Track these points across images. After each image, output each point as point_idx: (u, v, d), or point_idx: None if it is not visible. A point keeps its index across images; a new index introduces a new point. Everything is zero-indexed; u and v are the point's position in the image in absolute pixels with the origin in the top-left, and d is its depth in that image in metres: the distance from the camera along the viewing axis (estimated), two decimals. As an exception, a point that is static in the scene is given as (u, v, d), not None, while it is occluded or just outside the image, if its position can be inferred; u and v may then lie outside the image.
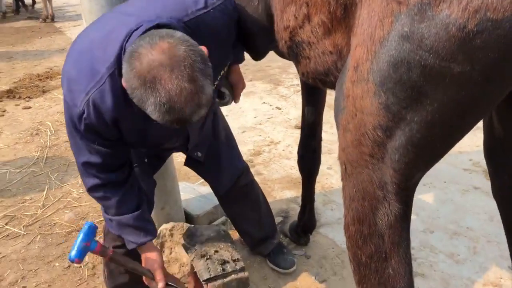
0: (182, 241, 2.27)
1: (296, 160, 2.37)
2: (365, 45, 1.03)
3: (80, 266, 2.44)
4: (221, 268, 1.62)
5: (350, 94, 1.10)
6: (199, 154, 1.95)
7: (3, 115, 4.54)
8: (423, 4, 0.89)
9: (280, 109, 4.43)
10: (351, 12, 1.15)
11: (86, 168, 1.56)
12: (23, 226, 2.80)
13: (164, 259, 2.25)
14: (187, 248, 1.78)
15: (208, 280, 1.60)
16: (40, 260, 2.51)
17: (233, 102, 1.98)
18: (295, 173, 3.17)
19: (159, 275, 1.64)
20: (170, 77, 1.19)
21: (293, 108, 4.40)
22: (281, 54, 1.81)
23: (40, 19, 9.35)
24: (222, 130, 2.09)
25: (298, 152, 2.32)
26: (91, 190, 1.63)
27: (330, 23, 1.26)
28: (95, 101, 1.38)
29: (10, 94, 5.04)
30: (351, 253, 1.19)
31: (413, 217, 2.64)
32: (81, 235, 1.58)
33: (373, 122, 1.05)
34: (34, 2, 10.78)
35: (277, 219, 2.67)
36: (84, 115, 1.40)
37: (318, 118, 2.18)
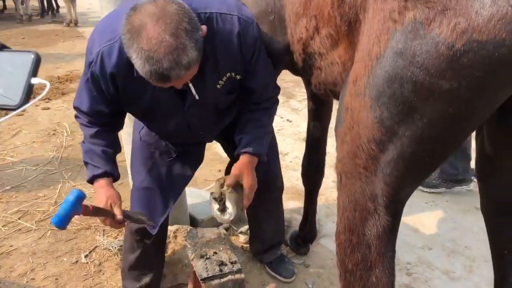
0: (185, 242, 2.38)
1: None
2: (364, 60, 1.11)
3: (87, 262, 2.54)
4: (218, 269, 1.70)
5: (349, 106, 1.18)
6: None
7: (22, 115, 4.69)
8: (416, 23, 0.96)
9: (290, 121, 4.53)
10: (355, 28, 1.23)
11: (76, 110, 1.74)
12: (35, 222, 2.91)
13: (167, 260, 2.33)
14: (188, 248, 1.86)
15: (205, 280, 1.68)
16: (49, 255, 2.62)
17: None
18: (301, 184, 3.24)
19: (117, 210, 1.63)
20: (154, 26, 1.32)
21: (304, 121, 4.47)
22: (293, 70, 1.89)
23: (64, 24, 9.62)
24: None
25: (302, 165, 2.40)
26: (76, 117, 1.79)
27: (337, 35, 1.35)
28: (103, 54, 1.55)
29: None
30: (339, 260, 1.27)
31: (412, 233, 2.71)
32: (68, 204, 1.44)
33: (368, 135, 1.12)
34: (58, 7, 11.07)
35: (279, 228, 2.74)
36: (92, 63, 1.58)
37: (323, 133, 2.26)
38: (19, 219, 2.94)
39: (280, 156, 3.79)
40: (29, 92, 0.76)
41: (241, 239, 2.68)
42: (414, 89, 0.99)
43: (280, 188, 2.33)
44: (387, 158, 1.11)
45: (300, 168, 3.48)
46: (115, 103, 1.70)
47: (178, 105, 1.74)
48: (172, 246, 2.36)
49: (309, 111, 2.23)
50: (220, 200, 1.72)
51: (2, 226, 2.85)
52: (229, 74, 1.72)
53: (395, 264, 2.43)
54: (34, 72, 0.76)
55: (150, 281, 2.12)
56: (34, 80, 0.73)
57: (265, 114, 1.87)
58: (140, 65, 1.36)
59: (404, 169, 1.12)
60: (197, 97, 1.68)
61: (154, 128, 1.95)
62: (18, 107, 0.75)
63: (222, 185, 1.73)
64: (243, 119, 1.87)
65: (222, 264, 1.73)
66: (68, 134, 4.23)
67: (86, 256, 2.59)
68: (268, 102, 1.87)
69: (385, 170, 1.13)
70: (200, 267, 1.72)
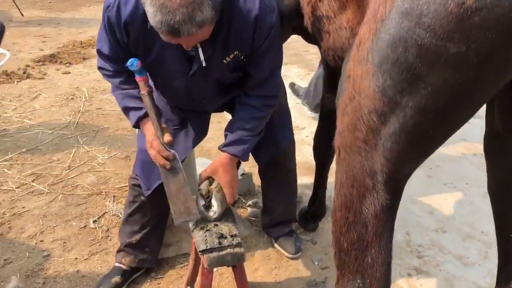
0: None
1: None
2: (369, 23, 1.03)
3: (95, 228, 2.55)
4: (217, 241, 1.66)
5: (351, 74, 1.10)
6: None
7: (43, 78, 4.72)
8: None
9: (310, 95, 4.41)
10: None
11: (98, 53, 1.78)
12: (48, 185, 2.93)
13: (173, 230, 2.32)
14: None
15: (203, 252, 1.64)
16: (59, 218, 2.64)
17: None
18: (315, 160, 3.18)
19: (167, 137, 1.71)
20: None
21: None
22: (305, 36, 1.83)
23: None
24: (282, 108, 2.08)
25: (314, 139, 2.32)
26: (99, 69, 1.84)
27: None
28: (121, 1, 1.58)
29: (53, 58, 5.23)
30: (334, 238, 1.20)
31: (427, 214, 2.63)
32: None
33: (369, 106, 1.04)
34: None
35: (290, 203, 2.69)
36: (109, 7, 1.60)
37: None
38: (32, 181, 2.97)
39: (296, 130, 3.73)
40: None
41: (249, 212, 2.64)
42: (419, 53, 0.91)
43: (290, 169, 2.28)
44: (389, 131, 1.04)
45: (315, 143, 3.42)
46: (130, 51, 1.70)
47: (184, 68, 1.73)
48: (178, 216, 2.33)
49: (323, 82, 2.14)
50: (207, 197, 1.76)
51: (16, 188, 2.88)
52: (236, 52, 1.72)
53: (407, 246, 2.38)
54: None
55: (140, 239, 2.12)
56: None
57: (254, 116, 1.84)
58: (152, 13, 1.34)
59: (406, 143, 1.04)
60: (204, 64, 1.66)
61: (159, 86, 1.93)
62: None
63: (211, 183, 1.79)
64: (235, 112, 1.88)
65: (222, 237, 1.68)
66: (86, 99, 4.23)
67: (94, 222, 2.60)
68: (260, 100, 1.83)
69: (386, 144, 1.06)
70: (199, 239, 1.68)
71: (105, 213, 2.68)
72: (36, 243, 2.45)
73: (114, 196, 2.83)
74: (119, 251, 2.19)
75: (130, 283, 2.16)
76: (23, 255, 2.34)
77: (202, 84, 1.78)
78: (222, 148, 1.82)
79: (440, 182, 3.01)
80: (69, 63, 5.14)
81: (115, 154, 3.30)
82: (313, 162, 3.15)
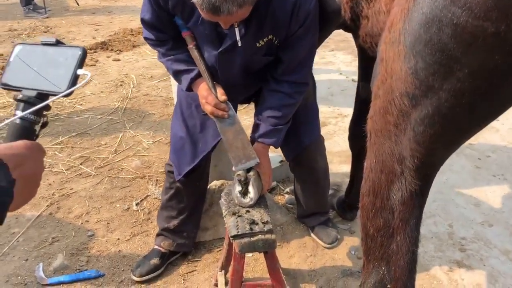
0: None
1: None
2: (401, 3, 0.99)
3: (137, 210, 2.63)
4: (249, 227, 1.67)
5: (384, 56, 1.07)
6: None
7: (94, 65, 4.89)
8: None
9: (355, 81, 4.32)
10: None
11: (142, 23, 1.80)
12: (95, 168, 3.05)
13: (211, 214, 2.35)
14: (223, 205, 1.85)
15: (235, 237, 1.65)
16: (104, 200, 2.74)
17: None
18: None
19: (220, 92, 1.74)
20: None
21: (369, 82, 4.26)
22: (343, 25, 1.79)
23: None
24: (307, 103, 2.07)
25: (349, 128, 2.27)
26: (145, 39, 1.86)
27: None
28: None
29: (104, 46, 5.40)
30: (361, 224, 1.18)
31: (472, 207, 2.52)
32: None
33: (400, 88, 1.01)
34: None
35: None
36: None
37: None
38: (81, 164, 3.10)
39: (340, 117, 3.69)
40: (75, 81, 0.89)
41: (286, 199, 2.63)
42: (454, 33, 0.86)
43: (316, 168, 2.24)
44: (420, 114, 1.00)
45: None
46: (171, 16, 1.73)
47: (215, 45, 1.73)
48: (216, 201, 2.36)
49: (358, 70, 2.09)
50: (245, 183, 1.77)
51: (66, 170, 3.02)
52: (271, 36, 1.72)
53: (449, 239, 2.30)
54: (80, 65, 0.90)
55: (178, 225, 2.17)
56: (79, 71, 0.87)
57: (285, 103, 1.83)
58: None
59: (439, 127, 1.00)
60: (239, 44, 1.68)
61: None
62: (63, 94, 0.88)
63: (248, 170, 1.79)
64: (265, 99, 1.86)
65: (253, 223, 1.69)
66: (135, 86, 4.35)
67: (137, 204, 2.68)
68: (291, 87, 1.82)
69: (418, 128, 1.02)
70: (231, 224, 1.69)
71: (147, 196, 2.76)
72: (82, 223, 2.56)
73: (156, 180, 2.90)
74: (158, 235, 2.26)
75: (167, 265, 2.22)
76: (69, 234, 2.46)
77: (230, 64, 1.78)
78: (258, 139, 1.83)
79: (489, 174, 2.88)
80: (120, 50, 5.29)
81: (159, 139, 3.38)
82: (349, 150, 3.11)
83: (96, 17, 6.90)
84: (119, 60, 5.03)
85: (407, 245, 1.09)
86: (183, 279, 2.17)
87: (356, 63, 4.67)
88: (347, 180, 2.79)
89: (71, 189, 2.85)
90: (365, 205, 1.15)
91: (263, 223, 1.70)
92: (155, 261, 2.17)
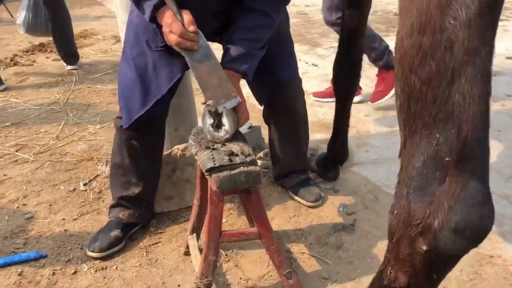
0: (194, 160, 2.04)
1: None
2: None
3: (86, 190, 2.24)
4: (228, 159, 1.36)
5: None
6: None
7: (32, 65, 4.45)
8: None
9: (316, 65, 4.15)
10: None
11: None
12: (33, 154, 2.63)
13: (175, 180, 2.01)
14: (191, 145, 1.52)
15: (211, 170, 1.33)
16: (45, 183, 2.33)
17: None
18: (328, 118, 2.89)
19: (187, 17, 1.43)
20: None
21: (330, 65, 4.07)
22: None
23: (83, -6, 9.39)
24: (280, 34, 1.79)
25: (334, 68, 2.02)
26: None
27: None
28: None
29: (42, 48, 4.96)
30: (400, 84, 0.85)
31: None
32: None
33: None
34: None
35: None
36: None
37: (361, 22, 1.86)
38: (16, 151, 2.67)
39: (306, 95, 3.45)
40: None
41: (260, 164, 2.33)
42: None
43: (296, 110, 1.97)
44: None
45: (326, 104, 3.12)
46: None
47: None
48: (180, 166, 2.02)
49: None
50: (216, 114, 1.44)
51: (-2, 159, 2.58)
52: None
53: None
54: None
55: (139, 192, 1.83)
56: None
57: (260, 23, 1.57)
58: None
59: None
60: None
61: None
62: None
63: None
64: (236, 22, 1.58)
65: (232, 154, 1.38)
66: (77, 80, 3.95)
67: (85, 185, 2.29)
68: (269, 4, 1.57)
69: None
70: (205, 158, 1.37)
71: (97, 176, 2.38)
72: (18, 207, 2.14)
73: (107, 161, 2.52)
74: (114, 206, 1.89)
75: (126, 239, 1.85)
76: (1, 219, 2.03)
77: None
78: (226, 64, 1.52)
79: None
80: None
81: (108, 124, 3.00)
82: (327, 121, 2.88)
83: (33, 26, 6.42)
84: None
85: (479, 85, 0.78)
86: (146, 252, 1.81)
87: (313, 51, 4.54)
88: (323, 146, 2.54)
89: (4, 175, 2.42)
90: (407, 52, 0.83)
91: (244, 155, 1.39)
92: (116, 233, 1.82)
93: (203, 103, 1.48)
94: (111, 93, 3.59)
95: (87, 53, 4.84)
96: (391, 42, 4.56)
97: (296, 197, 2.05)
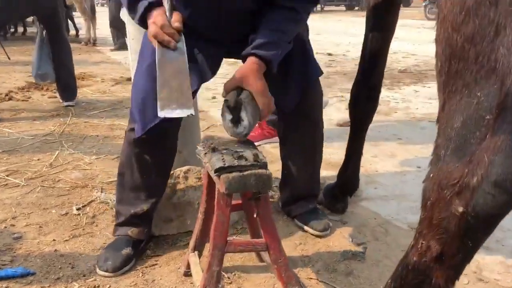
0: (197, 183, 1.96)
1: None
2: None
3: (79, 214, 2.12)
4: (237, 162, 1.28)
5: None
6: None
7: (27, 101, 4.41)
8: None
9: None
10: None
11: None
12: (24, 179, 2.52)
13: (176, 201, 1.91)
14: (199, 151, 1.44)
15: (220, 170, 1.25)
16: (36, 207, 2.21)
17: None
18: (334, 157, 2.84)
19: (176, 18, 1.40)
20: None
21: (334, 112, 4.08)
22: None
23: (82, 42, 9.56)
24: (299, 39, 1.75)
25: (352, 90, 1.96)
26: None
27: None
28: None
29: (38, 86, 4.92)
30: (440, 44, 0.82)
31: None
32: None
33: None
34: (77, 31, 11.09)
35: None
36: None
37: (384, 46, 1.83)
38: (7, 176, 2.55)
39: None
40: None
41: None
42: None
43: (317, 121, 1.92)
44: None
45: (333, 146, 3.07)
46: None
47: None
48: (181, 187, 1.93)
49: (367, 21, 1.82)
50: (235, 109, 1.39)
51: (-14, 183, 2.46)
52: None
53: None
54: None
55: (148, 209, 1.73)
56: None
57: (288, 17, 1.56)
58: None
59: None
60: None
61: None
62: None
63: (239, 94, 1.41)
64: (264, 17, 1.57)
65: (241, 157, 1.30)
66: (74, 115, 3.89)
67: (78, 209, 2.17)
68: (298, 1, 1.57)
69: None
70: (215, 158, 1.30)
71: (91, 201, 2.26)
72: (5, 227, 2.01)
73: (102, 188, 2.42)
74: (120, 224, 1.79)
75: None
76: (-13, 238, 1.90)
77: None
78: (251, 50, 1.46)
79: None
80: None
81: (104, 156, 2.91)
82: (332, 159, 2.82)
83: (29, 67, 6.42)
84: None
85: None
86: (142, 273, 1.68)
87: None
88: (329, 182, 2.46)
89: (-8, 198, 2.29)
90: (450, 12, 0.80)
91: (254, 158, 1.32)
92: (127, 251, 1.70)
93: (223, 96, 1.43)
94: (109, 128, 3.53)
95: (85, 93, 4.82)
96: (395, 94, 4.65)
97: (303, 225, 1.95)
